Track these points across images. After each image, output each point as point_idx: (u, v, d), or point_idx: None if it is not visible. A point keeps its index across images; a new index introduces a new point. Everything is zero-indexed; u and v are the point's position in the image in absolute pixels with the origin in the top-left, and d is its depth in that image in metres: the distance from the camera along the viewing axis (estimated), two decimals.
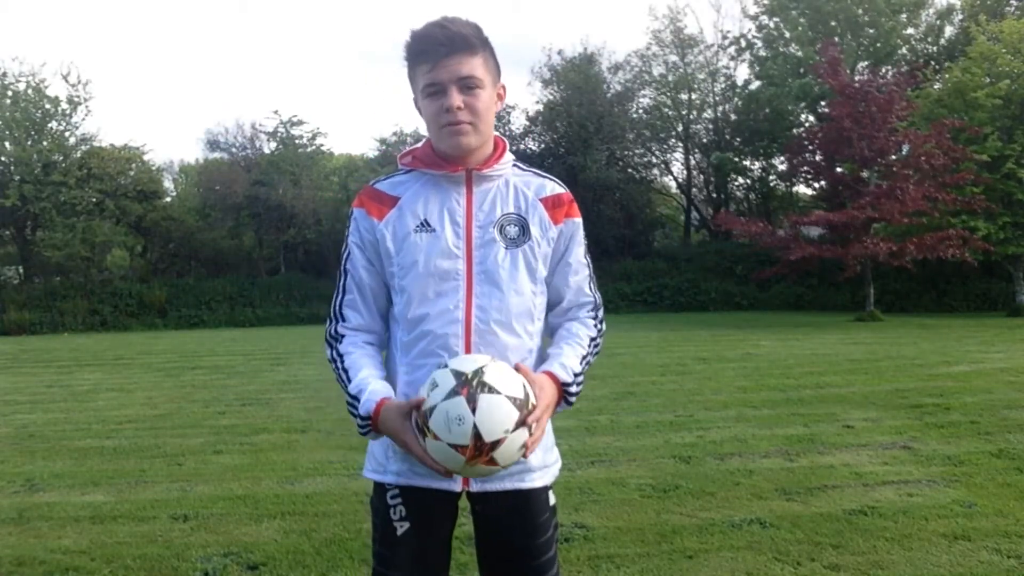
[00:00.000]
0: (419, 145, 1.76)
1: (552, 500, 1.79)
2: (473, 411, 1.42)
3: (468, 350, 1.64)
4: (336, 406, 7.51)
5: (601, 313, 1.84)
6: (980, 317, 18.78)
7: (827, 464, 4.85)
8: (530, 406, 1.49)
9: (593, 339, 1.79)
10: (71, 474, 5.13)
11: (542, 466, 1.75)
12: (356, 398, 1.63)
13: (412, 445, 1.52)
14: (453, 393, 1.44)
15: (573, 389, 1.68)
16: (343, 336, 1.74)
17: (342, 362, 1.71)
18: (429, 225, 1.68)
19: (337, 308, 1.77)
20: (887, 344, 12.15)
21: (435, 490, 1.69)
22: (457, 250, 1.67)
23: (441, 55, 1.61)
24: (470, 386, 1.44)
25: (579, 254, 1.79)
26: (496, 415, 1.43)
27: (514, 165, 1.77)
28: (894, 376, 8.53)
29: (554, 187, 1.77)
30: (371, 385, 1.63)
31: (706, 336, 14.47)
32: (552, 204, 1.74)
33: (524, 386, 1.51)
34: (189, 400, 8.28)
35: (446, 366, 1.51)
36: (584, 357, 1.75)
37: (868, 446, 5.31)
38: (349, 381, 1.67)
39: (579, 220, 1.79)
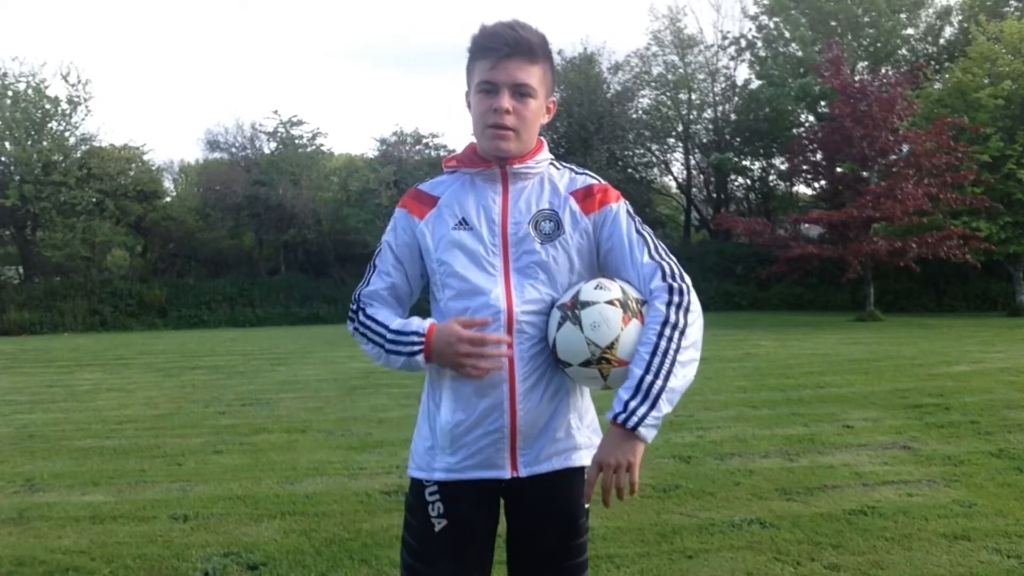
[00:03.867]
0: (462, 150, 1.81)
1: (587, 503, 1.80)
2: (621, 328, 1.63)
3: (510, 345, 1.66)
4: (336, 406, 7.52)
5: (678, 282, 1.65)
6: (980, 317, 18.79)
7: (827, 464, 4.85)
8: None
9: (665, 323, 1.60)
10: (71, 474, 5.13)
11: (589, 445, 1.76)
12: (402, 330, 1.70)
13: (463, 335, 1.63)
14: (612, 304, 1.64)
15: (630, 420, 1.55)
16: (365, 308, 1.79)
17: (372, 319, 1.75)
18: (467, 223, 1.71)
19: (357, 295, 1.82)
20: (887, 344, 12.15)
21: (480, 482, 1.70)
22: (494, 247, 1.70)
23: (503, 55, 1.63)
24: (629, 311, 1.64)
25: (626, 233, 1.72)
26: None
27: (552, 163, 1.79)
28: (894, 376, 8.53)
29: (585, 179, 1.78)
30: (417, 319, 1.73)
31: (706, 336, 14.28)
32: (582, 196, 1.75)
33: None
34: (189, 400, 8.28)
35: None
36: (653, 356, 1.58)
37: (868, 446, 5.30)
38: (388, 326, 1.72)
39: (616, 205, 1.74)
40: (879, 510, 3.91)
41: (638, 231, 1.73)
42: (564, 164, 1.81)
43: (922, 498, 4.11)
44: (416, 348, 1.67)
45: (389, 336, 1.71)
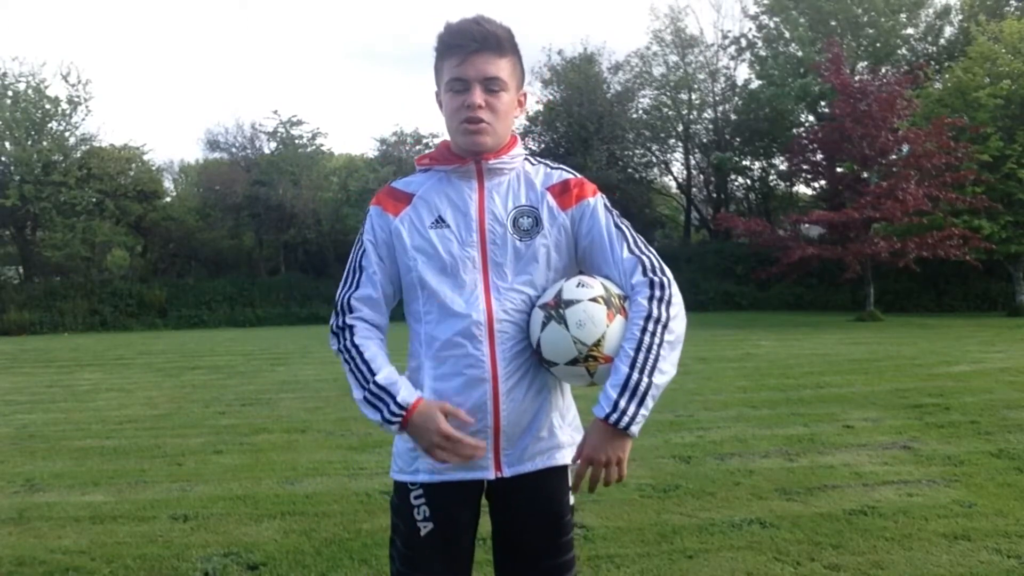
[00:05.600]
0: (435, 148, 1.79)
1: (572, 500, 1.80)
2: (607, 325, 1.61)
3: (491, 342, 1.65)
4: (336, 406, 7.51)
5: (659, 276, 1.65)
6: (980, 317, 18.79)
7: (827, 464, 4.85)
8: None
9: (648, 318, 1.59)
10: (71, 474, 5.13)
11: (571, 443, 1.76)
12: (387, 389, 1.63)
13: (442, 430, 1.58)
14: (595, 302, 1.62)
15: (622, 421, 1.55)
16: (353, 327, 1.71)
17: (360, 354, 1.68)
18: (443, 220, 1.70)
19: (346, 300, 1.73)
20: (887, 344, 12.15)
21: (464, 483, 1.70)
22: (470, 244, 1.68)
23: (471, 50, 1.63)
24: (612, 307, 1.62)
25: (605, 227, 1.71)
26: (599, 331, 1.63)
27: (526, 159, 1.77)
28: (894, 376, 8.53)
29: (561, 174, 1.77)
30: (404, 382, 1.66)
31: (706, 336, 14.44)
32: (559, 191, 1.74)
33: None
34: (189, 400, 8.28)
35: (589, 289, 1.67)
36: (637, 352, 1.57)
37: (868, 446, 5.30)
38: (374, 373, 1.65)
39: (593, 199, 1.73)
40: (879, 510, 3.91)
41: (616, 225, 1.73)
42: (539, 159, 1.80)
43: (922, 498, 4.11)
44: (395, 419, 1.61)
45: (372, 388, 1.64)
